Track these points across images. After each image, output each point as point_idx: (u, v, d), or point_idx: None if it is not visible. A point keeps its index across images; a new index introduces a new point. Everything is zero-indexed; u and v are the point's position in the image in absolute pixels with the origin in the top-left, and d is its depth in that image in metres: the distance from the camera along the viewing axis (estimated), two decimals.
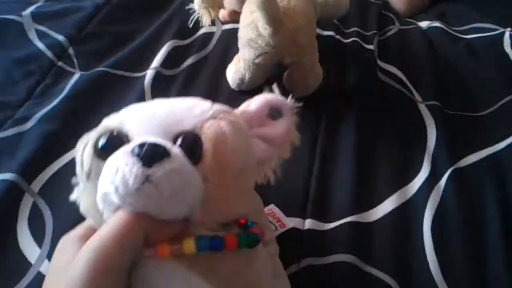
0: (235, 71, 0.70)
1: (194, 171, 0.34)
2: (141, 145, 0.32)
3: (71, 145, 0.60)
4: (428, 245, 0.53)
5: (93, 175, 0.35)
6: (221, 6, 0.70)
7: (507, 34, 0.84)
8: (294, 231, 0.53)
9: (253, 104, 0.42)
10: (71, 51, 0.77)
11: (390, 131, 0.66)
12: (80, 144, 0.37)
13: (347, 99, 0.71)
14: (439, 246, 0.53)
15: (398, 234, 0.55)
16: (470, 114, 0.70)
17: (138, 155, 0.31)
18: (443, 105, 0.71)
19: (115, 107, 0.66)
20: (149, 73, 0.73)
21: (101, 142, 0.35)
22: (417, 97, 0.72)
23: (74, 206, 0.54)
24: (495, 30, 0.86)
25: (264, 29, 0.60)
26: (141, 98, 0.69)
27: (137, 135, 0.35)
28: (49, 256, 0.51)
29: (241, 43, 0.67)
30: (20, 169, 0.58)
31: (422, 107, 0.70)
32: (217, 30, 0.86)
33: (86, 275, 0.29)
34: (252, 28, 0.63)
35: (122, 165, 0.31)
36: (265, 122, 0.42)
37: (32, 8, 0.85)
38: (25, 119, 0.65)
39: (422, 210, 0.56)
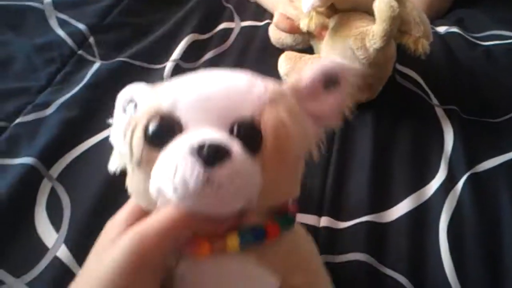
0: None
1: (254, 165, 0.32)
2: (202, 145, 0.30)
3: (90, 132, 0.63)
4: (443, 248, 0.53)
5: (144, 163, 0.34)
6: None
7: None
8: (309, 228, 0.54)
9: (306, 76, 0.38)
10: (91, 40, 0.78)
11: (407, 134, 0.66)
12: (125, 125, 0.36)
13: (365, 100, 0.71)
14: (454, 249, 0.53)
15: (413, 236, 0.54)
16: (487, 120, 0.70)
17: (199, 154, 0.30)
18: (460, 110, 0.71)
19: None
20: (168, 65, 0.73)
21: (152, 128, 0.33)
22: (435, 100, 0.72)
23: (92, 192, 0.55)
24: None
25: (373, 43, 0.60)
26: None
27: (191, 123, 0.33)
28: (66, 241, 0.51)
29: (330, 49, 0.66)
30: (39, 154, 0.58)
31: (439, 111, 0.70)
32: (236, 26, 0.87)
33: (124, 261, 0.30)
34: (357, 39, 0.62)
35: (181, 165, 0.30)
36: (318, 95, 0.39)
37: None
38: (46, 105, 0.65)
39: (438, 213, 0.56)
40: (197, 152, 0.30)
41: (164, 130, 0.33)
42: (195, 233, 0.33)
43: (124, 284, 0.30)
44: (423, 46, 0.64)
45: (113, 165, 0.41)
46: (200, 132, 0.32)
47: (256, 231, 0.34)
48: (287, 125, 0.34)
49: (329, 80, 0.39)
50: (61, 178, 0.57)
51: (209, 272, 0.34)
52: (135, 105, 0.40)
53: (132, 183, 0.37)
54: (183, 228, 0.32)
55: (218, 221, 0.33)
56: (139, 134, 0.34)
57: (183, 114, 0.33)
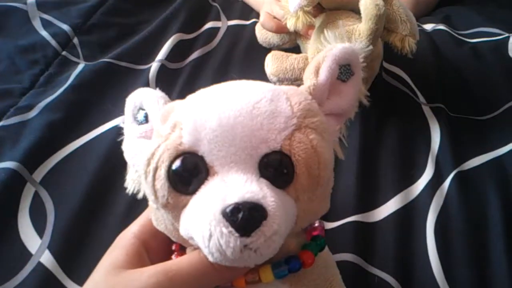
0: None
1: (288, 201, 0.31)
2: (236, 210, 0.28)
3: (74, 135, 0.62)
4: (430, 247, 0.53)
5: (170, 206, 0.32)
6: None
7: (511, 39, 0.84)
8: None
9: (323, 71, 0.36)
10: (75, 41, 0.77)
11: (394, 132, 0.66)
12: (146, 164, 0.33)
13: None
14: (442, 247, 0.53)
15: (401, 235, 0.54)
16: (474, 118, 0.70)
17: (232, 222, 0.28)
18: (447, 108, 0.71)
19: (119, 99, 0.67)
20: (153, 66, 0.73)
21: (175, 170, 0.32)
22: (422, 99, 0.72)
23: (77, 197, 0.55)
24: (499, 35, 0.86)
25: (360, 41, 0.59)
26: None
27: (217, 164, 0.31)
28: (50, 247, 0.50)
29: (317, 48, 0.65)
30: (22, 158, 0.57)
31: (426, 109, 0.70)
32: (222, 25, 0.86)
33: None
34: (343, 38, 0.61)
35: (216, 233, 0.28)
36: (335, 88, 0.37)
37: None
38: (29, 108, 0.64)
39: (426, 211, 0.56)
40: (231, 219, 0.28)
41: (188, 171, 0.32)
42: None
43: None
44: (410, 45, 0.63)
45: (130, 186, 0.39)
46: (231, 181, 0.31)
47: (291, 262, 0.33)
48: (319, 151, 0.32)
49: (344, 71, 0.38)
50: (45, 182, 0.56)
51: None
52: (146, 115, 0.39)
53: (157, 218, 0.36)
54: (215, 277, 0.31)
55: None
56: (162, 177, 0.32)
57: (207, 153, 0.31)
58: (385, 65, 0.77)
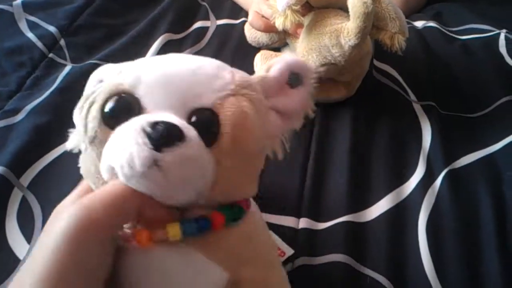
0: None
1: (208, 156, 0.31)
2: (154, 124, 0.29)
3: (62, 138, 0.60)
4: (422, 246, 0.53)
5: (97, 141, 0.32)
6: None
7: (502, 36, 0.84)
8: (288, 230, 0.53)
9: (274, 69, 0.38)
10: (62, 42, 0.76)
11: (385, 131, 0.66)
12: (84, 100, 0.34)
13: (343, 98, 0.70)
14: (434, 246, 0.53)
15: (392, 234, 0.54)
16: (465, 115, 0.70)
17: (149, 135, 0.29)
18: (438, 106, 0.70)
19: None
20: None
21: (110, 106, 0.32)
22: (412, 97, 0.72)
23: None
24: (490, 31, 0.86)
25: (348, 40, 0.59)
26: None
27: (151, 105, 0.32)
28: None
29: (306, 47, 0.65)
30: (9, 162, 0.56)
31: (417, 107, 0.70)
32: (211, 24, 0.86)
33: (70, 228, 0.28)
34: (332, 36, 0.61)
35: (130, 144, 0.29)
36: (282, 90, 0.38)
37: None
38: (15, 111, 0.64)
39: (417, 210, 0.56)
40: (148, 132, 0.29)
41: (122, 109, 0.32)
42: (141, 215, 0.31)
43: (73, 251, 0.28)
44: (399, 42, 0.63)
45: (71, 144, 0.39)
46: (157, 114, 0.31)
47: (200, 221, 0.33)
48: (248, 118, 0.33)
49: (293, 78, 0.38)
50: (32, 187, 0.56)
51: (152, 265, 0.32)
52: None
53: (84, 162, 0.36)
54: (129, 203, 0.30)
55: (163, 207, 0.32)
56: (95, 111, 0.32)
57: (143, 95, 0.32)
58: (376, 63, 0.77)
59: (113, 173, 0.31)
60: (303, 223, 0.54)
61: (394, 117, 0.68)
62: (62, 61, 0.73)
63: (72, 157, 0.58)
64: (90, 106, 0.33)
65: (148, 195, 0.31)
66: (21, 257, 0.49)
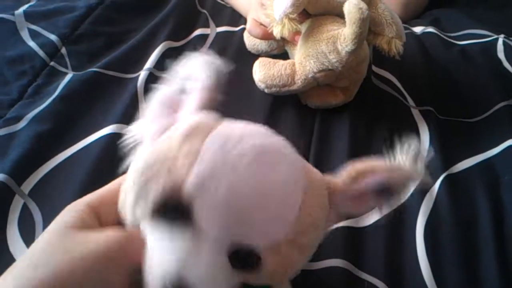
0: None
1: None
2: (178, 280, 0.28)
3: (63, 146, 0.62)
4: (420, 251, 0.53)
5: (136, 221, 0.32)
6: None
7: (500, 41, 0.84)
8: None
9: (362, 184, 0.35)
10: (63, 51, 0.76)
11: (383, 136, 0.66)
12: (137, 173, 0.31)
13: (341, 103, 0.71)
14: (431, 251, 0.53)
15: (390, 240, 0.54)
16: (463, 120, 0.70)
17: None
18: (437, 111, 0.71)
19: (108, 108, 0.67)
20: (142, 74, 0.72)
21: (160, 211, 0.30)
22: (411, 102, 0.72)
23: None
24: (488, 36, 0.87)
25: (345, 46, 0.60)
26: (134, 99, 0.68)
27: (200, 221, 0.29)
28: None
29: (304, 53, 0.65)
30: (10, 170, 0.57)
31: (416, 112, 0.70)
32: (211, 32, 0.86)
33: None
34: (329, 42, 0.62)
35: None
36: (362, 196, 0.36)
37: (24, 7, 0.83)
38: (17, 119, 0.64)
39: (415, 215, 0.56)
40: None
41: (171, 213, 0.30)
42: None
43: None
44: (397, 47, 0.64)
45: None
46: (201, 250, 0.29)
47: None
48: (292, 267, 0.32)
49: (385, 190, 0.36)
50: (33, 194, 0.56)
51: None
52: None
53: (124, 201, 0.34)
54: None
55: None
56: (147, 205, 0.30)
57: (198, 206, 0.29)
58: (374, 68, 0.77)
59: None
60: None
61: (392, 122, 0.69)
62: (63, 69, 0.74)
63: (73, 165, 0.60)
64: (141, 190, 0.31)
65: None
66: None
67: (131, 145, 0.36)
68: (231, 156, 0.29)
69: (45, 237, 0.32)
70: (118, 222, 0.35)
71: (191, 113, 0.34)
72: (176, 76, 0.36)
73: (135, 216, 0.32)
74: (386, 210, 0.38)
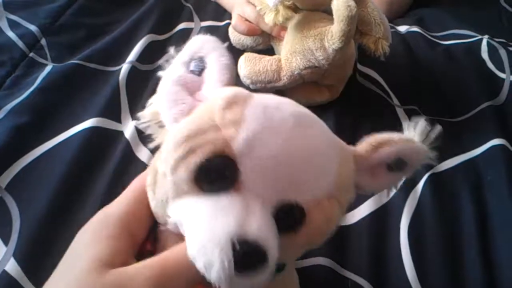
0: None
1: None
2: (244, 242, 0.28)
3: (41, 139, 0.60)
4: (404, 249, 0.53)
5: (180, 191, 0.31)
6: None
7: (484, 41, 0.85)
8: None
9: (384, 152, 0.36)
10: (43, 42, 0.75)
11: (368, 135, 0.66)
12: (175, 141, 0.31)
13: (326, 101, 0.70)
14: (415, 250, 0.53)
15: (374, 238, 0.54)
16: (447, 120, 0.70)
17: (235, 252, 0.27)
18: (421, 110, 0.71)
19: (88, 101, 0.66)
20: (124, 67, 0.71)
21: (206, 170, 0.29)
22: (395, 101, 0.72)
23: (43, 203, 0.53)
24: (473, 37, 0.87)
25: (332, 43, 0.59)
26: (115, 92, 0.67)
27: (246, 182, 0.30)
28: (15, 255, 0.49)
29: (290, 49, 0.65)
30: None
31: (400, 111, 0.70)
32: (195, 26, 0.85)
33: None
34: (316, 39, 0.61)
35: (214, 254, 0.27)
36: (377, 170, 0.37)
37: None
38: None
39: (399, 214, 0.56)
40: (236, 249, 0.27)
41: (218, 174, 0.30)
42: None
43: None
44: (383, 47, 0.64)
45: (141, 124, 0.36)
46: (249, 209, 0.29)
47: None
48: (332, 223, 0.33)
49: (396, 162, 0.37)
50: (10, 188, 0.54)
51: None
52: (201, 69, 0.36)
53: (157, 188, 0.33)
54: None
55: None
56: (190, 166, 0.30)
57: (245, 168, 0.30)
58: (359, 67, 0.77)
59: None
60: None
61: (377, 121, 0.68)
62: (43, 61, 0.72)
63: (51, 158, 0.58)
64: (186, 154, 0.30)
65: None
66: None
67: (148, 131, 0.35)
68: (274, 121, 0.31)
69: (77, 275, 0.30)
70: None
71: (217, 89, 0.34)
72: (182, 57, 0.37)
73: (174, 183, 0.31)
74: (394, 189, 0.40)
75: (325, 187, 0.32)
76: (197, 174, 0.30)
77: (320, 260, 0.51)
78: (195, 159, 0.29)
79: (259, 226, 0.29)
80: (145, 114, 0.35)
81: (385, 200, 0.57)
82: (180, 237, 0.31)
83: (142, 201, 0.34)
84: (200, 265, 0.28)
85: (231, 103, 0.31)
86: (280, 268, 0.35)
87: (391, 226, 0.55)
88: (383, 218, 0.56)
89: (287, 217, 0.31)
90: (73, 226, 0.52)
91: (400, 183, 0.40)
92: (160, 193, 0.33)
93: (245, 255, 0.28)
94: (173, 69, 0.36)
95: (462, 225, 0.56)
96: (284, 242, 0.31)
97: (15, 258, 0.48)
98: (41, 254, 0.49)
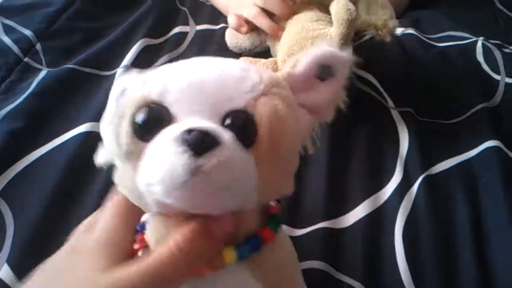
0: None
1: (248, 158, 0.30)
2: (189, 131, 0.28)
3: (36, 144, 0.60)
4: (399, 252, 0.53)
5: (133, 156, 0.31)
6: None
7: (479, 43, 0.85)
8: None
9: (301, 64, 0.36)
10: (38, 47, 0.75)
11: (363, 137, 0.66)
12: (111, 114, 0.33)
13: None
14: (410, 252, 0.53)
15: (369, 241, 0.54)
16: (442, 122, 0.70)
17: (186, 142, 0.28)
18: (416, 112, 0.71)
19: (83, 106, 0.66)
20: (119, 72, 0.71)
21: (140, 118, 0.31)
22: (390, 103, 0.72)
23: (37, 209, 0.53)
24: (468, 39, 0.87)
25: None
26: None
27: (182, 114, 0.31)
28: (9, 261, 0.49)
29: (288, 52, 0.64)
30: None
31: (395, 114, 0.70)
32: (190, 30, 0.85)
33: None
34: (315, 42, 0.61)
35: (169, 154, 0.28)
36: (311, 84, 0.36)
37: None
38: None
39: (394, 216, 0.56)
40: (184, 140, 0.28)
41: (153, 120, 0.31)
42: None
43: None
44: (391, 27, 0.64)
45: (101, 160, 0.37)
46: (190, 121, 0.30)
47: (252, 241, 0.33)
48: (283, 118, 0.32)
49: (324, 71, 0.36)
50: (4, 194, 0.55)
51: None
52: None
53: (121, 178, 0.34)
54: (183, 264, 0.30)
55: (215, 241, 0.32)
56: (126, 125, 0.31)
57: (173, 104, 0.31)
58: (354, 69, 0.77)
59: (151, 192, 0.30)
60: None
61: (372, 123, 0.68)
62: (37, 66, 0.72)
63: (46, 164, 0.58)
64: (119, 121, 0.32)
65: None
66: None
67: None
68: (184, 65, 0.34)
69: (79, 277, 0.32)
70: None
71: None
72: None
73: (121, 148, 0.31)
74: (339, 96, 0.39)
75: (252, 86, 0.32)
76: (134, 129, 0.31)
77: (315, 264, 0.51)
78: (126, 119, 0.31)
79: (205, 123, 0.30)
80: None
81: (380, 202, 0.58)
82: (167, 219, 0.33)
83: (121, 228, 0.35)
84: (157, 189, 0.29)
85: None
86: (276, 222, 0.36)
87: (385, 229, 0.55)
88: (378, 221, 0.56)
89: (235, 123, 0.31)
90: (67, 231, 0.51)
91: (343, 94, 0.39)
92: (125, 179, 0.33)
93: (197, 138, 0.28)
94: (109, 109, 0.36)
95: (457, 227, 0.56)
96: (255, 158, 0.31)
97: (8, 264, 0.48)
98: (35, 259, 0.49)
